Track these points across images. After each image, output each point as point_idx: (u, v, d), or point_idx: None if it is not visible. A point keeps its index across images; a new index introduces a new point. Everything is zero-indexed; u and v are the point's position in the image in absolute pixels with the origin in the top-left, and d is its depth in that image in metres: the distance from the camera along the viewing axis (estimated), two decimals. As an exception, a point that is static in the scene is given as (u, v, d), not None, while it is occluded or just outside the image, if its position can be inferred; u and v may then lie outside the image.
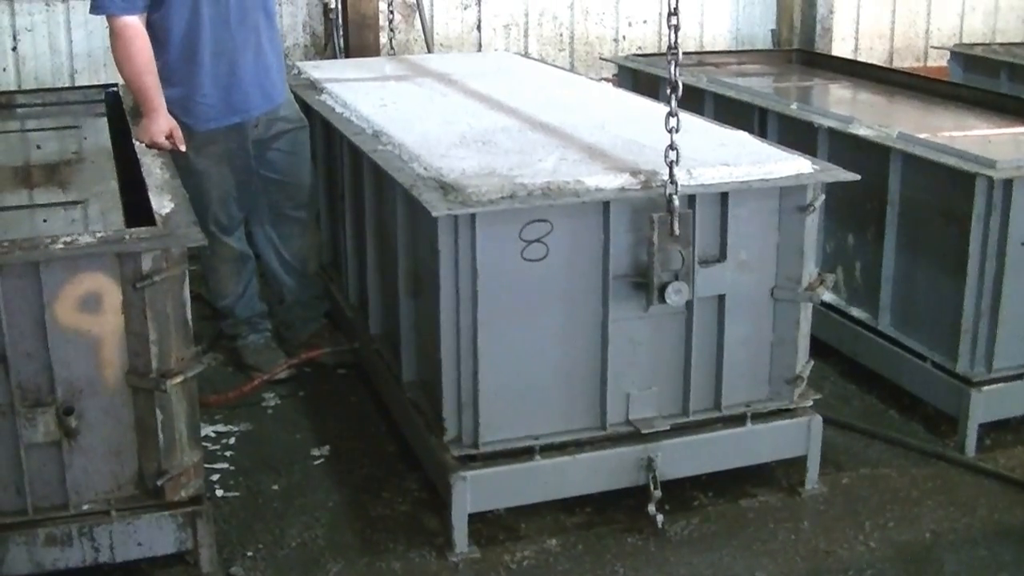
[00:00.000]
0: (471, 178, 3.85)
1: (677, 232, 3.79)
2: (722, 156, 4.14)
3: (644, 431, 4.05)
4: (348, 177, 5.18)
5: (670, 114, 3.75)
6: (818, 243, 4.73)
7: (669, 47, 3.74)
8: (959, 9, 9.39)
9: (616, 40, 8.43)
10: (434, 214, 3.65)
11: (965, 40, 9.18)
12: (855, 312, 5.15)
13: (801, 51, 7.89)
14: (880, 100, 6.17)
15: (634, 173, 3.91)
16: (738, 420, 4.22)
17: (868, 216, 5.02)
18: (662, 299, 3.84)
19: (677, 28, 3.73)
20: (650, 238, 3.79)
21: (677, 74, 3.76)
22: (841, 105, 6.07)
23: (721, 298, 4.08)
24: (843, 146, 5.05)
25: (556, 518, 4.15)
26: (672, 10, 3.71)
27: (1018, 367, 4.62)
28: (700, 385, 4.15)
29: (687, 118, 4.20)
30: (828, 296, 5.26)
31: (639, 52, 8.20)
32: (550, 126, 4.66)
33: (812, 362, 4.33)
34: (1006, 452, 4.65)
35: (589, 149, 4.26)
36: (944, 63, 7.95)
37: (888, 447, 4.69)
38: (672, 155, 3.73)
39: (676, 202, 3.76)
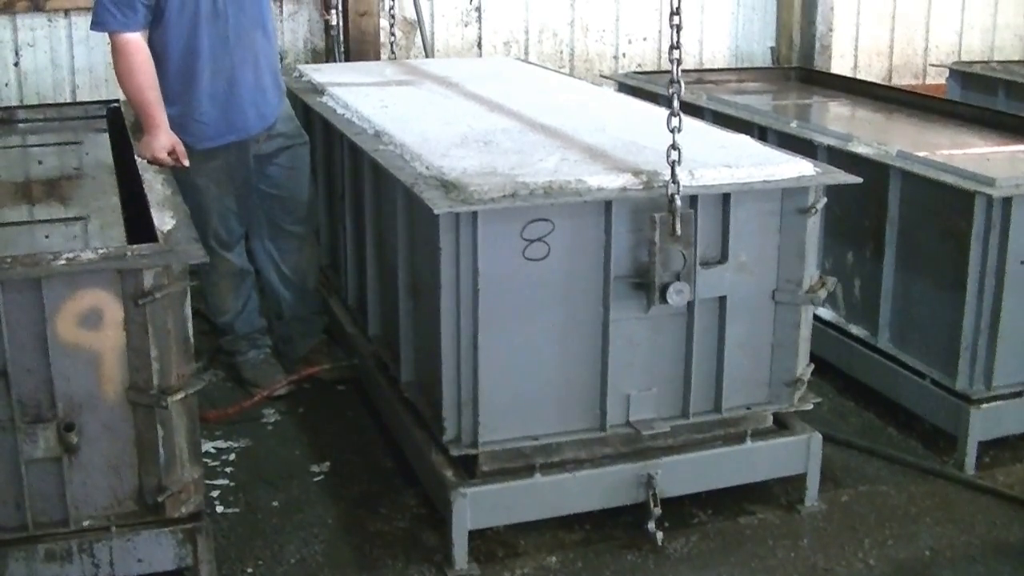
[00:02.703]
0: (472, 177, 3.86)
1: (679, 232, 3.79)
2: (723, 158, 4.15)
3: (644, 432, 4.05)
4: (348, 177, 5.19)
5: (672, 113, 3.76)
6: (818, 258, 4.73)
7: (671, 47, 3.76)
8: (957, 27, 9.42)
9: (616, 57, 8.46)
10: (436, 211, 3.65)
11: (963, 58, 9.21)
12: (854, 329, 5.16)
13: (800, 68, 7.91)
14: (879, 118, 6.19)
15: (636, 173, 3.92)
16: (738, 438, 4.23)
17: (867, 233, 5.04)
18: (663, 299, 3.84)
19: (679, 28, 3.74)
20: (651, 238, 3.79)
21: (679, 73, 3.77)
22: (840, 123, 6.08)
23: (722, 300, 4.08)
24: (842, 164, 5.03)
25: (555, 535, 4.15)
26: (674, 9, 3.73)
27: (1017, 385, 4.63)
28: (700, 387, 4.14)
29: (688, 121, 4.20)
30: (827, 313, 5.28)
31: (639, 69, 8.23)
32: (551, 128, 4.67)
33: (812, 365, 4.33)
34: (1005, 469, 4.66)
35: (590, 150, 4.27)
36: (942, 81, 7.96)
37: (886, 464, 4.70)
38: (674, 155, 3.73)
39: (678, 201, 3.77)
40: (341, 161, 5.28)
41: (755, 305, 4.14)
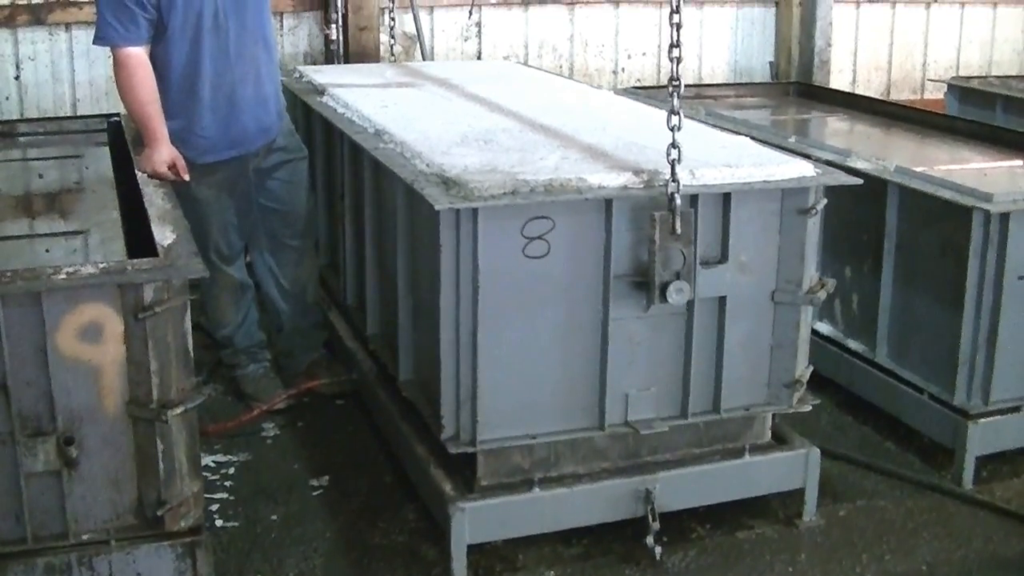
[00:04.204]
0: (473, 174, 3.86)
1: (679, 231, 3.79)
2: (724, 158, 4.16)
3: (642, 432, 4.05)
4: (348, 176, 5.20)
5: (672, 112, 3.77)
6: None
7: (671, 45, 3.76)
8: (956, 42, 9.44)
9: (615, 72, 8.47)
10: (436, 207, 3.65)
11: (961, 72, 9.22)
12: (852, 344, 5.17)
13: (799, 83, 7.93)
14: (877, 133, 6.20)
15: (636, 172, 3.92)
16: (736, 452, 4.24)
17: (865, 248, 5.05)
18: (663, 298, 3.84)
19: (679, 26, 3.75)
20: (651, 236, 3.80)
21: (679, 72, 3.77)
22: (838, 138, 6.11)
23: (722, 299, 4.07)
24: (840, 179, 5.08)
25: (554, 549, 4.15)
26: (674, 8, 3.74)
27: (1015, 399, 4.64)
28: (699, 387, 4.14)
29: (689, 123, 4.21)
30: (825, 328, 5.29)
31: (638, 84, 8.24)
32: (551, 128, 4.68)
33: (811, 367, 4.33)
34: (1002, 484, 4.66)
35: (591, 149, 4.28)
36: (941, 95, 7.98)
37: (884, 479, 4.70)
38: (674, 153, 3.73)
39: (678, 200, 3.77)
40: (341, 160, 5.29)
41: (755, 305, 4.13)
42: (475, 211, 3.72)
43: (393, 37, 7.20)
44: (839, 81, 8.96)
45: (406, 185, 4.02)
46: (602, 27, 8.43)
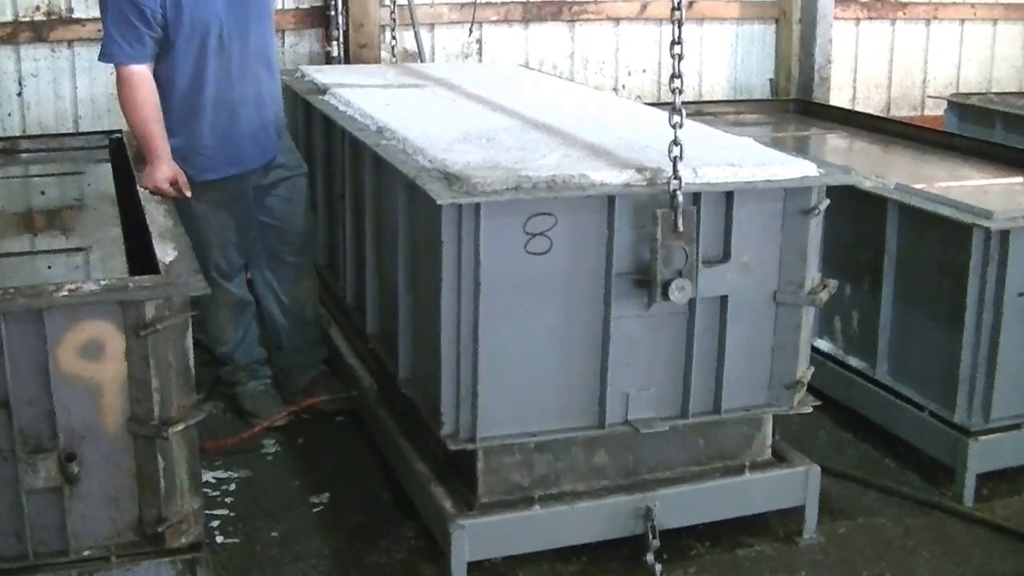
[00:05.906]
0: (476, 170, 3.85)
1: (680, 228, 3.79)
2: (727, 157, 4.15)
3: (643, 431, 4.04)
4: (348, 174, 5.21)
5: (673, 110, 3.77)
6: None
7: (672, 42, 3.77)
8: (955, 59, 9.46)
9: (616, 89, 8.48)
10: (439, 202, 3.65)
11: (961, 90, 9.24)
12: (852, 361, 5.17)
13: (799, 100, 7.96)
14: (877, 150, 6.22)
15: (639, 170, 3.91)
16: (736, 470, 4.24)
17: (865, 266, 5.06)
18: (665, 296, 3.82)
19: (680, 23, 3.75)
20: (654, 234, 3.79)
21: (680, 69, 3.78)
22: (838, 155, 6.12)
23: (723, 299, 4.06)
24: (840, 196, 5.07)
25: (552, 567, 4.15)
26: (676, 5, 3.75)
27: (1015, 417, 4.64)
28: (700, 387, 4.13)
29: (691, 123, 4.20)
30: (825, 345, 5.29)
31: (638, 101, 8.25)
32: (553, 127, 4.68)
33: (813, 368, 4.33)
34: (1002, 502, 4.66)
35: (592, 148, 4.27)
36: (940, 112, 8.00)
37: (884, 496, 4.70)
38: (676, 150, 3.73)
39: (680, 197, 3.77)
40: (341, 158, 5.30)
41: (756, 305, 4.12)
42: (477, 206, 3.72)
43: (394, 52, 7.21)
44: (839, 98, 8.96)
45: (408, 181, 4.01)
46: (602, 44, 8.45)
